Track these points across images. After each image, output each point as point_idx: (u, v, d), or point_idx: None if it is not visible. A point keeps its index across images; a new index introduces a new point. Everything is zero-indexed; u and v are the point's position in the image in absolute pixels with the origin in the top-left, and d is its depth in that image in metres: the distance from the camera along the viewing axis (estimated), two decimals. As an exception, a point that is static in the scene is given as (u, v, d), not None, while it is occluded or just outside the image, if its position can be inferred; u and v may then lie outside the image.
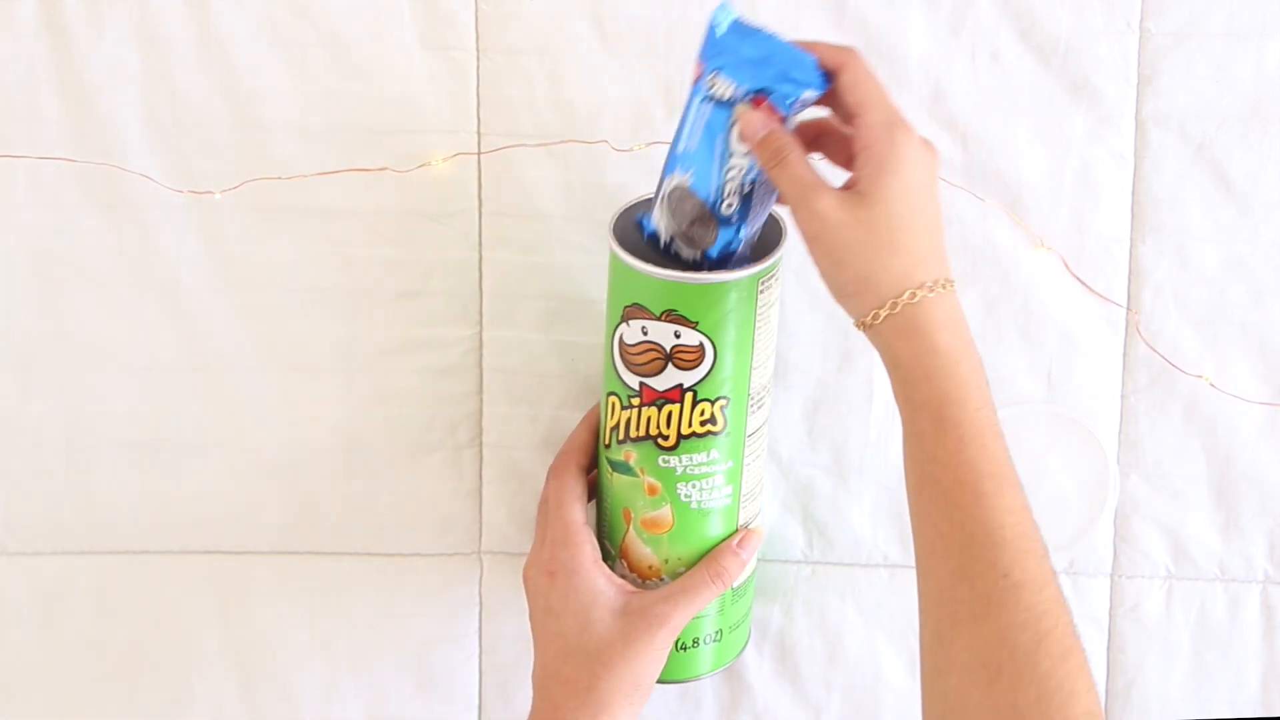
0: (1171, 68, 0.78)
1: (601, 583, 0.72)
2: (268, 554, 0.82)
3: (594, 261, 0.78)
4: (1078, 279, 0.79)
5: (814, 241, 0.64)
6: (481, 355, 0.80)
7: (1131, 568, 0.82)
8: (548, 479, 0.77)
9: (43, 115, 0.77)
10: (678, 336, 0.69)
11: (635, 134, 0.78)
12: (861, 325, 0.64)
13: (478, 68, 0.78)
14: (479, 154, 0.78)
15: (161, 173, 0.78)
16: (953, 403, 0.63)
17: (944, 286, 0.64)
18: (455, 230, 0.79)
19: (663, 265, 0.68)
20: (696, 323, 0.69)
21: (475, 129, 0.78)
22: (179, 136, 0.78)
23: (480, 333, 0.80)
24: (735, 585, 0.75)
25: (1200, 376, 0.80)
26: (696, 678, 0.78)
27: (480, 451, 0.81)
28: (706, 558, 0.74)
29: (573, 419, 0.80)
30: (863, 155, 0.64)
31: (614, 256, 0.70)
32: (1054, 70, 0.78)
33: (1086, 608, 0.82)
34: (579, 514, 0.74)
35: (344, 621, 0.83)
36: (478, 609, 0.83)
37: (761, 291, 0.70)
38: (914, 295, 0.63)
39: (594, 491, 0.77)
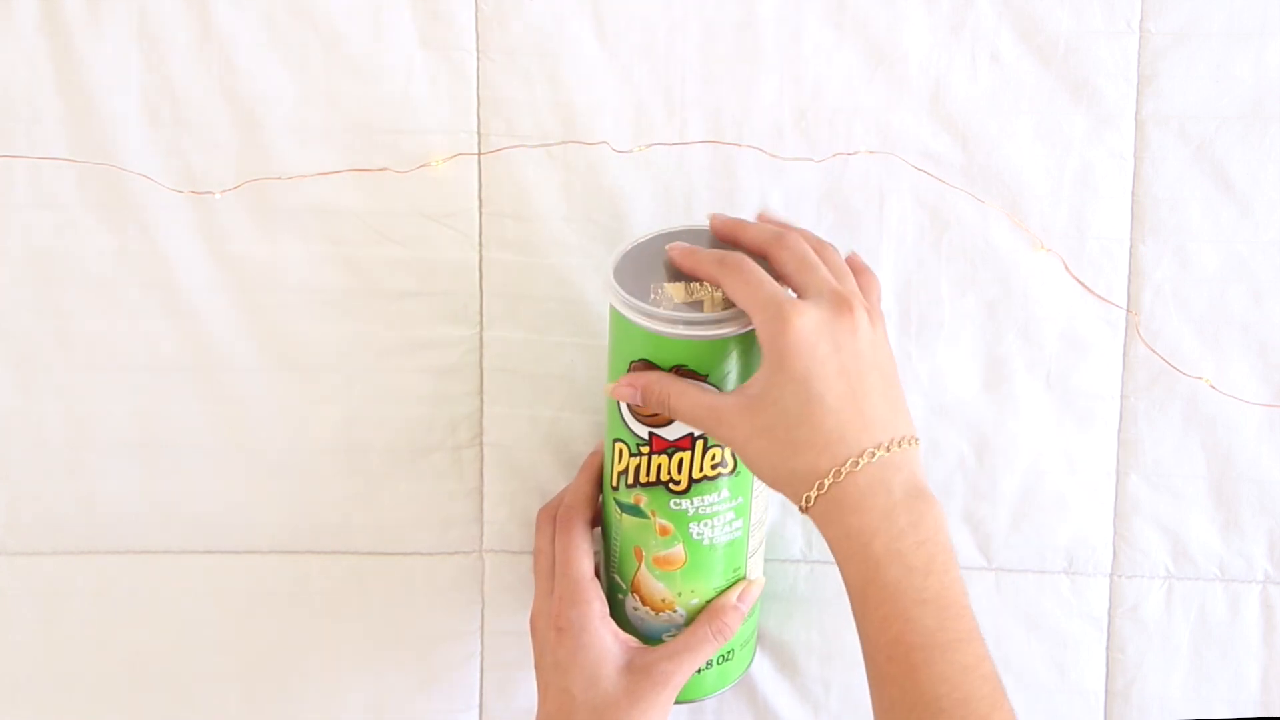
0: (1171, 68, 0.78)
1: (608, 640, 0.73)
2: (268, 554, 0.82)
3: (594, 264, 0.78)
4: (1077, 280, 0.79)
5: (737, 452, 0.67)
6: (482, 355, 0.80)
7: (1131, 568, 0.82)
8: (543, 527, 0.77)
9: (43, 115, 0.77)
10: None
11: (635, 135, 0.78)
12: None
13: (478, 68, 0.78)
14: (479, 154, 0.78)
15: (161, 173, 0.78)
16: (869, 584, 0.63)
17: (855, 462, 0.63)
18: (455, 230, 0.79)
19: (670, 323, 0.68)
20: (706, 375, 0.69)
21: (475, 129, 0.78)
22: (179, 137, 0.78)
23: (481, 333, 0.80)
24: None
25: (1200, 378, 0.80)
26: (704, 697, 0.78)
27: (481, 450, 0.81)
28: (707, 612, 0.75)
29: (573, 421, 0.80)
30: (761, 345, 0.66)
31: (617, 313, 0.70)
32: (1054, 70, 0.78)
33: (1086, 607, 0.82)
34: (588, 568, 0.74)
35: (345, 620, 0.83)
36: (480, 607, 0.83)
37: None
38: (822, 485, 0.63)
39: (594, 522, 0.78)
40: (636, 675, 0.72)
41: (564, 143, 0.78)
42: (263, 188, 0.78)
